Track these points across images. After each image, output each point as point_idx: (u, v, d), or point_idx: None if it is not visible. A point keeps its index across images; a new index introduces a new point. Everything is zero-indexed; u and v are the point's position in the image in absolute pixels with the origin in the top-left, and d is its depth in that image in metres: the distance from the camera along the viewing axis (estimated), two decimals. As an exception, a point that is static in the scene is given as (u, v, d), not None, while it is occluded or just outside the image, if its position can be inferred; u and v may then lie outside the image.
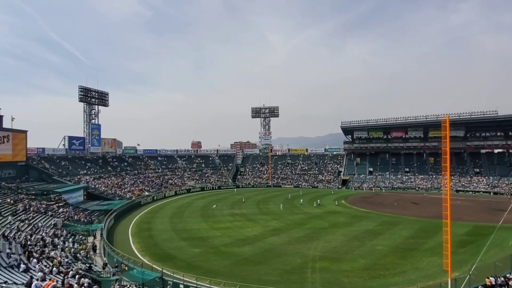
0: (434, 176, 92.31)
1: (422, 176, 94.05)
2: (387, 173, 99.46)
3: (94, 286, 18.99)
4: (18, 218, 36.01)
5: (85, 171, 77.99)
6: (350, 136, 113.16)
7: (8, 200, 41.07)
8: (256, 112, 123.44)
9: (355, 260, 29.34)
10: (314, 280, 25.01)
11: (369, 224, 45.15)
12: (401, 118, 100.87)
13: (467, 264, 26.77)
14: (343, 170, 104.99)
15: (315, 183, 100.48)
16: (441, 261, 25.41)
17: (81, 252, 31.47)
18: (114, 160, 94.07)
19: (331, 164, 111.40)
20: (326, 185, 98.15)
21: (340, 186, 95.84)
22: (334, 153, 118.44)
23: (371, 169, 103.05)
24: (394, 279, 24.86)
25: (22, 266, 21.86)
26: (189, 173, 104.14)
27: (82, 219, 45.66)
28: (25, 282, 17.38)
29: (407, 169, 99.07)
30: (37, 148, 75.45)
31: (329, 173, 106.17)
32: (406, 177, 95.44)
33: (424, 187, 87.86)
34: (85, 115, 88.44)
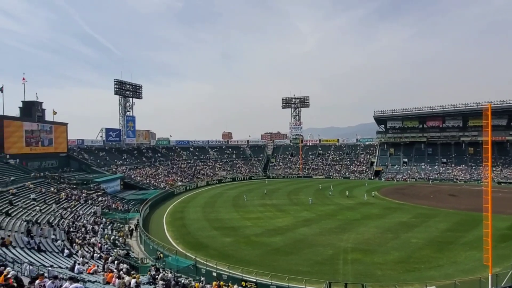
0: (474, 167, 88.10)
1: (461, 167, 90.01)
2: (422, 163, 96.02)
3: (132, 272, 19.85)
4: (61, 206, 38.15)
5: (121, 161, 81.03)
6: (383, 125, 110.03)
7: (52, 189, 43.49)
8: (287, 103, 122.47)
9: (389, 253, 28.77)
10: (346, 271, 24.79)
11: (403, 216, 43.97)
12: (438, 106, 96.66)
13: (509, 260, 25.49)
14: (375, 160, 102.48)
15: (347, 173, 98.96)
16: (481, 255, 24.39)
17: (119, 239, 32.97)
18: (149, 151, 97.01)
19: (363, 155, 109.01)
20: (358, 176, 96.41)
21: (372, 177, 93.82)
22: (367, 143, 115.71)
23: (406, 160, 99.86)
24: (430, 273, 24.17)
25: (66, 251, 23.23)
26: (220, 163, 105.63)
27: (119, 207, 47.71)
28: (69, 266, 18.47)
29: (445, 160, 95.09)
30: (77, 139, 78.90)
31: (361, 164, 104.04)
32: (444, 168, 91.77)
33: (463, 178, 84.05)
34: (120, 108, 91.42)
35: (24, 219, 28.24)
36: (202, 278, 22.55)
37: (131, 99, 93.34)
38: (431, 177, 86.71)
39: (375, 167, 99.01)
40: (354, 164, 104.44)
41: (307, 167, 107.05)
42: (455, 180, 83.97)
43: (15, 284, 9.75)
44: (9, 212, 29.13)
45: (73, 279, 11.79)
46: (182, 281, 20.37)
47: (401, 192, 67.08)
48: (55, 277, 11.64)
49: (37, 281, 11.04)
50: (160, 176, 79.71)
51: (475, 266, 24.71)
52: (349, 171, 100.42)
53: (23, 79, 53.21)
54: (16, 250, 20.49)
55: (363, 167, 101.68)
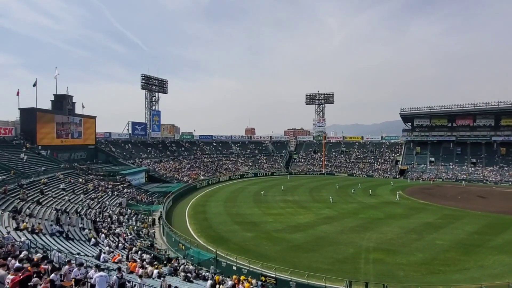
0: (505, 168, 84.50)
1: (491, 167, 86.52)
2: (450, 163, 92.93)
3: (155, 262, 20.35)
4: (89, 197, 39.46)
5: (146, 154, 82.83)
6: (410, 123, 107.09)
7: (80, 180, 45.03)
8: (311, 99, 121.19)
9: (412, 254, 28.11)
10: (367, 271, 24.44)
11: (428, 216, 42.78)
12: (469, 104, 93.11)
13: (541, 266, 24.45)
14: (401, 159, 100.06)
15: (370, 171, 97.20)
16: (510, 260, 23.47)
17: (143, 230, 33.83)
18: (173, 145, 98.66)
19: (388, 153, 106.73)
20: (382, 174, 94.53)
21: (397, 176, 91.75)
22: (392, 141, 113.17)
23: (433, 159, 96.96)
24: (455, 276, 23.47)
25: (92, 240, 24.04)
26: (242, 159, 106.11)
27: (143, 199, 48.88)
28: (95, 254, 19.14)
29: (474, 160, 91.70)
30: (105, 132, 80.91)
31: (386, 162, 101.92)
32: (473, 169, 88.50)
33: (494, 179, 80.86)
34: (146, 102, 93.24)
35: (54, 208, 29.44)
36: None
37: (156, 93, 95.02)
38: (460, 178, 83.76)
39: (400, 166, 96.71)
40: (378, 162, 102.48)
41: (330, 164, 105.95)
42: (484, 181, 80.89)
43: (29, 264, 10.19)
44: (40, 201, 30.43)
45: (98, 267, 12.22)
46: (203, 273, 20.72)
47: (427, 192, 65.25)
48: (81, 264, 12.12)
49: (66, 267, 11.61)
50: (183, 170, 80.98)
51: (504, 271, 23.80)
52: (373, 169, 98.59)
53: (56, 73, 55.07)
54: (46, 238, 21.41)
55: (388, 166, 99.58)
